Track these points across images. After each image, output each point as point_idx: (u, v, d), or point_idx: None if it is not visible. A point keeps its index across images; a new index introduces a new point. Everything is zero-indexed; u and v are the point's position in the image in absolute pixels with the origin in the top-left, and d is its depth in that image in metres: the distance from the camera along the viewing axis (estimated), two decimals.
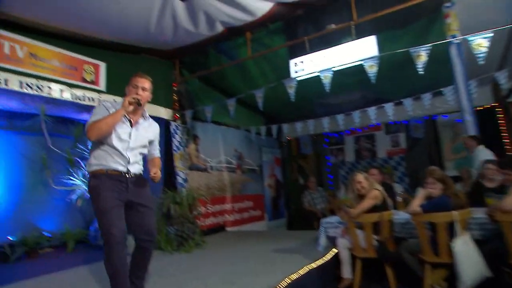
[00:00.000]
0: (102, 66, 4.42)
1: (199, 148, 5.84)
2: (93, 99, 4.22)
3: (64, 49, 4.04)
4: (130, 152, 2.43)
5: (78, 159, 5.06)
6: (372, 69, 3.41)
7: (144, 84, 2.46)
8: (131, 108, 2.34)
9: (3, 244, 4.57)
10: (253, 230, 6.41)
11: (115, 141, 2.37)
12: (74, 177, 5.09)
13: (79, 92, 4.10)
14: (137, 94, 2.40)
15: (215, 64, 5.16)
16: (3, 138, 4.94)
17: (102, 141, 2.38)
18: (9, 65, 3.59)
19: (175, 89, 5.43)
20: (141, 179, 2.51)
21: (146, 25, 3.75)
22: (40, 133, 4.64)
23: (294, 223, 7.48)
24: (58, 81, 3.95)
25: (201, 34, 4.14)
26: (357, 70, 3.84)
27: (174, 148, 5.12)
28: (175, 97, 5.43)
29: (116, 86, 4.53)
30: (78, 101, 4.07)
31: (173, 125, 5.20)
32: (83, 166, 5.04)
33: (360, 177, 3.38)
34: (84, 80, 4.20)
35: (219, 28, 4.05)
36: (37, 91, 3.75)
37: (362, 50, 3.48)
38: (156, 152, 2.67)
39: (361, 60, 3.50)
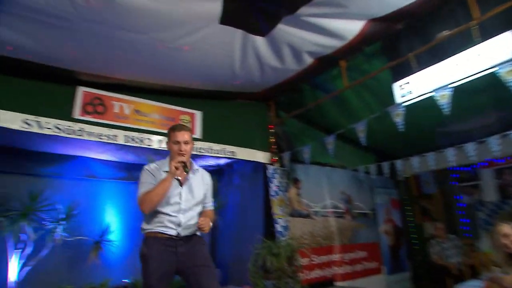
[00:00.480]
0: (198, 114, 4.47)
1: (300, 192, 5.32)
2: None
3: (163, 103, 4.23)
4: (183, 214, 2.35)
5: None
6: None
7: (184, 137, 2.40)
8: (178, 172, 2.28)
9: (118, 286, 4.78)
10: (369, 287, 5.36)
11: (164, 207, 2.31)
12: None
13: None
14: (180, 151, 2.34)
15: (311, 100, 4.72)
16: (124, 188, 5.39)
17: None
18: (117, 122, 3.87)
19: (272, 131, 5.17)
20: (194, 239, 2.38)
21: (230, 69, 3.62)
22: None
23: (420, 279, 6.03)
24: (157, 132, 4.10)
25: (290, 69, 3.81)
26: (487, 83, 2.89)
27: (272, 193, 4.73)
28: (272, 140, 5.15)
29: (211, 133, 4.51)
30: None
31: (270, 169, 4.86)
32: None
33: (507, 229, 2.35)
34: None
35: (308, 59, 3.65)
36: (138, 144, 3.93)
37: (492, 54, 2.53)
38: (208, 204, 2.59)
39: (493, 67, 2.56)
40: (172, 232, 2.29)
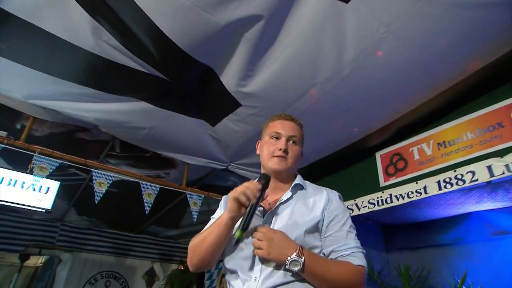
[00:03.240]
0: None
1: None
2: None
3: (471, 113, 2.72)
4: (260, 273, 1.16)
5: None
6: None
7: (290, 130, 1.38)
8: (241, 210, 1.18)
9: None
10: None
11: (234, 259, 1.24)
12: None
13: None
14: (280, 150, 1.32)
15: None
16: None
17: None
18: (423, 170, 2.95)
19: None
20: None
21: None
22: None
23: None
24: (477, 157, 2.57)
25: None
26: None
27: None
28: None
29: None
30: None
31: None
32: None
33: None
34: None
35: None
36: (459, 186, 2.62)
37: None
38: (341, 251, 1.21)
39: None
40: None
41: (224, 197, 1.45)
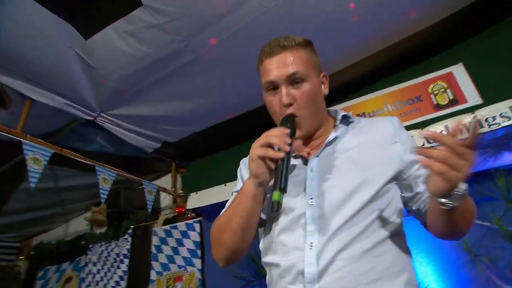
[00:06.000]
0: (457, 70, 2.44)
1: None
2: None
3: (392, 85, 2.63)
4: (318, 242, 0.85)
5: None
6: None
7: (285, 70, 0.96)
8: (263, 170, 0.88)
9: None
10: None
11: (278, 222, 0.96)
12: None
13: (434, 128, 2.32)
14: (284, 107, 0.97)
15: None
16: None
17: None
18: None
19: None
20: None
21: None
22: None
23: None
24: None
25: None
26: None
27: None
28: None
29: (499, 83, 2.25)
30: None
31: None
32: None
33: None
34: (438, 107, 2.41)
35: None
36: None
37: None
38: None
39: None
40: None
41: (243, 161, 1.18)
